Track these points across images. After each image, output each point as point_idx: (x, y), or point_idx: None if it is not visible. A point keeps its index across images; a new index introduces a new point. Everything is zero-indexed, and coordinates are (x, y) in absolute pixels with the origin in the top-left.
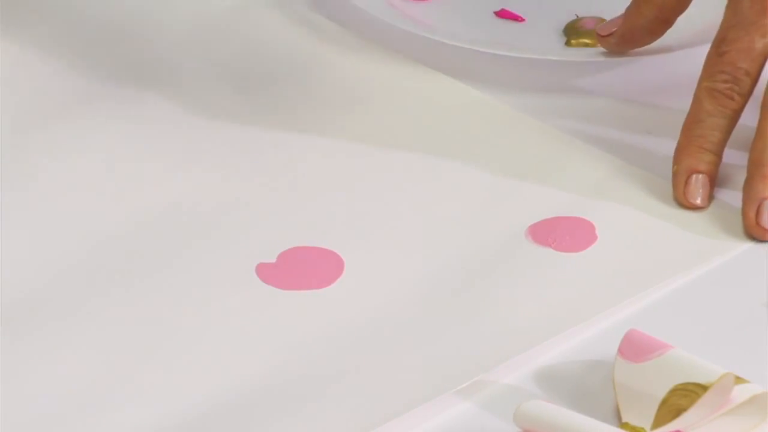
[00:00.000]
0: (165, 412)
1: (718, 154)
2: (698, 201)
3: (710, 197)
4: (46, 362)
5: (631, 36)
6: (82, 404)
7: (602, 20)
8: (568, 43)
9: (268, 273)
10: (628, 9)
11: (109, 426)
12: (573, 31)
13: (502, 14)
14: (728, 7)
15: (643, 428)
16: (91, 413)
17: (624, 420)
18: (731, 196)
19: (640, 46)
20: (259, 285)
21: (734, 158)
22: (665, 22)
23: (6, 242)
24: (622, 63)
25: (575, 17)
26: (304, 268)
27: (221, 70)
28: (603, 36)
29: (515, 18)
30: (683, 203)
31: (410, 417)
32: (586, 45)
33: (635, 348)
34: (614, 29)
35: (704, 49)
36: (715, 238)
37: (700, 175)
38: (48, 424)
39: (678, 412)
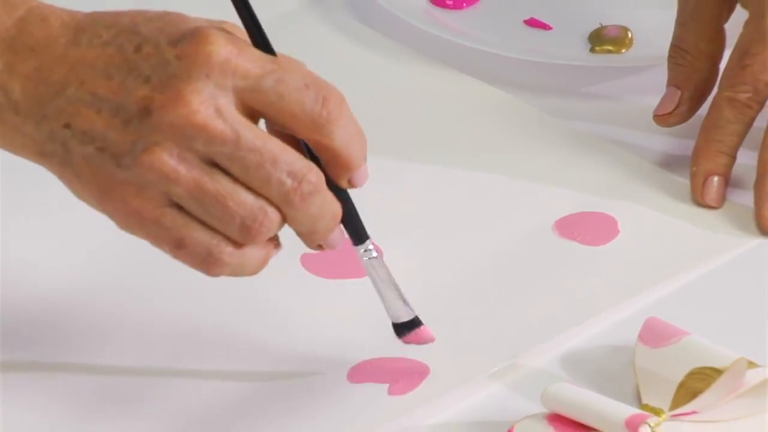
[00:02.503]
0: (214, 390)
1: (734, 157)
2: (714, 201)
3: (724, 196)
4: (105, 342)
5: (700, 94)
6: (139, 382)
7: (625, 28)
8: (592, 50)
9: (311, 263)
10: (679, 76)
11: (165, 402)
12: (597, 39)
13: (531, 23)
14: (749, 23)
15: (662, 409)
16: (147, 393)
17: (644, 402)
18: (742, 195)
19: (705, 101)
20: (304, 274)
21: (744, 158)
22: (717, 65)
23: (64, 236)
24: (643, 69)
25: (599, 26)
26: (345, 258)
27: None
28: (667, 114)
29: (543, 26)
30: (700, 202)
31: (445, 398)
32: (610, 51)
33: (654, 334)
34: (674, 102)
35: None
36: (728, 234)
37: (717, 177)
38: (116, 392)
39: (695, 394)
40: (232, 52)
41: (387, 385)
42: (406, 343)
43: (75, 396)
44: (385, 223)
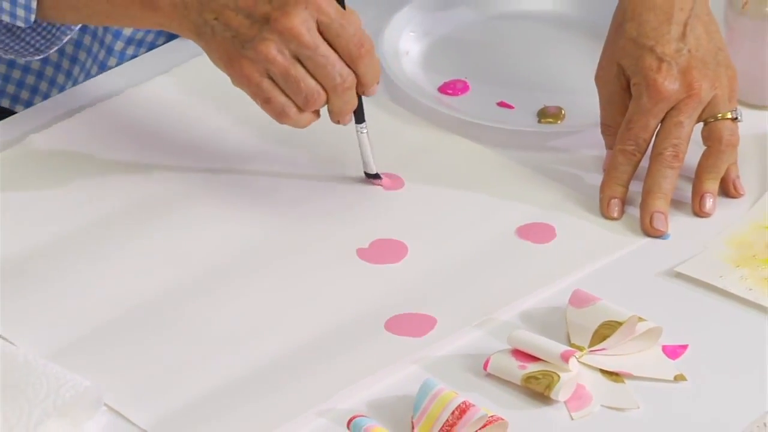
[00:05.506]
0: (288, 344)
1: (627, 187)
2: (615, 215)
3: (622, 212)
4: (201, 319)
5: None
6: (232, 340)
7: (560, 107)
8: (539, 121)
9: (364, 254)
10: (612, 141)
11: (251, 355)
12: (542, 114)
13: (501, 104)
14: (632, 100)
15: (583, 347)
16: (234, 349)
17: (572, 342)
18: (635, 210)
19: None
20: (358, 261)
21: (635, 186)
22: None
23: (170, 241)
24: (572, 133)
25: (543, 106)
26: (385, 251)
27: (318, 142)
28: None
29: (508, 106)
30: (606, 216)
31: (446, 340)
32: (550, 122)
33: (579, 299)
34: None
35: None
36: (625, 236)
37: (616, 199)
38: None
39: (604, 337)
40: (324, 0)
41: (410, 331)
42: (368, 182)
43: (223, 331)
44: (407, 230)
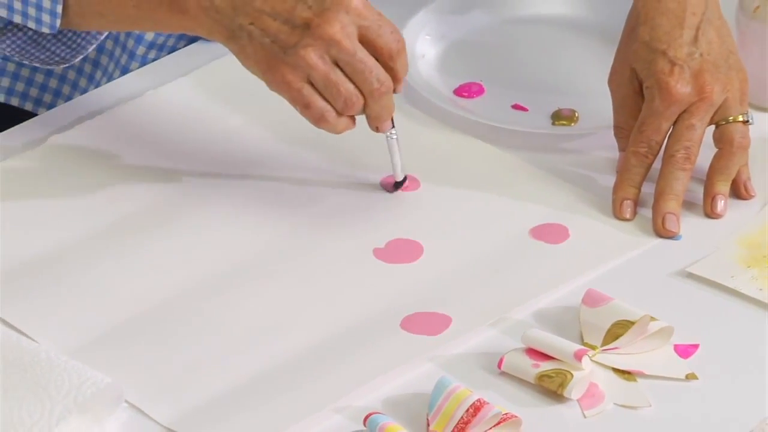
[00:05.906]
0: (304, 342)
1: (639, 188)
2: (627, 216)
3: (634, 213)
4: (231, 315)
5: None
6: (264, 331)
7: (573, 110)
8: (553, 124)
9: (380, 253)
10: (624, 144)
11: (269, 353)
12: (556, 117)
13: (515, 106)
14: (644, 105)
15: (596, 346)
16: (252, 347)
17: (585, 341)
18: (647, 212)
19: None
20: (375, 261)
21: (647, 188)
22: None
23: (189, 244)
24: (584, 136)
25: (557, 108)
26: (400, 251)
27: (336, 144)
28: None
29: (523, 109)
30: (619, 217)
31: (461, 339)
32: (564, 125)
33: (592, 299)
34: None
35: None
36: (637, 236)
37: (628, 201)
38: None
39: (616, 336)
40: (362, 3)
41: (426, 330)
42: (394, 190)
43: (244, 327)
44: (423, 230)
